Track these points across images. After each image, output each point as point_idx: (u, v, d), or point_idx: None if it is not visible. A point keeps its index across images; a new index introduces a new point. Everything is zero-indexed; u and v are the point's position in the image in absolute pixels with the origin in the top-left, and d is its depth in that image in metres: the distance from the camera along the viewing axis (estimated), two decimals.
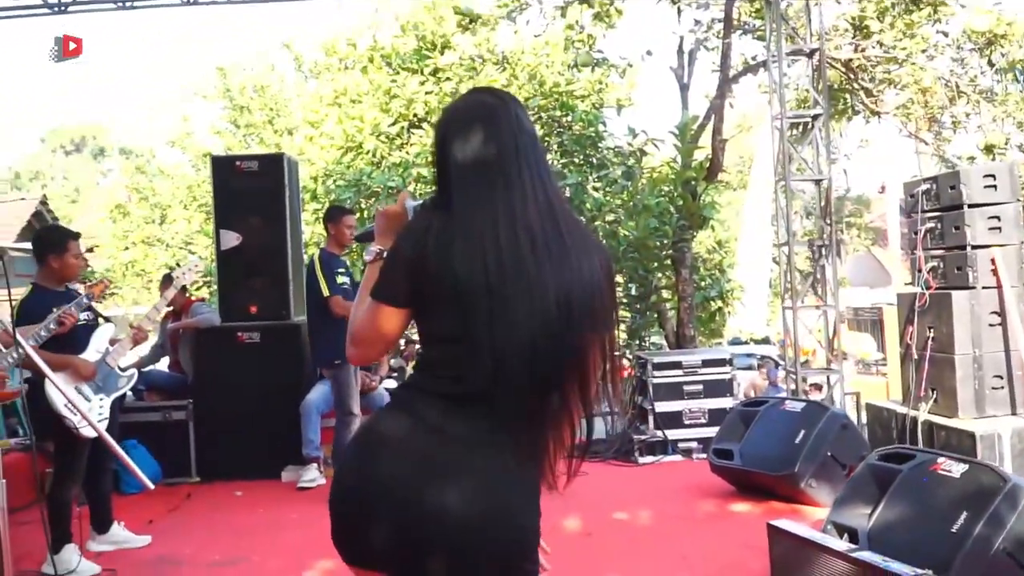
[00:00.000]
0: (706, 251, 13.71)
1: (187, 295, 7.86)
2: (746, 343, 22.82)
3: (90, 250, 19.62)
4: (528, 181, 1.90)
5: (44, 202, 17.88)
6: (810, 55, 8.09)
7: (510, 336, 1.80)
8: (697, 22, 10.56)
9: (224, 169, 7.59)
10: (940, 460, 3.65)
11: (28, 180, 63.23)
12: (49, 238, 5.12)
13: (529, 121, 2.01)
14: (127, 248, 18.05)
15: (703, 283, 11.55)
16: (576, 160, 11.76)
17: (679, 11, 10.52)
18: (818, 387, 8.88)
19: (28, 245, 15.93)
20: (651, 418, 7.01)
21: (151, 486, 2.81)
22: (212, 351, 7.27)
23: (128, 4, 8.14)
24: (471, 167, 1.91)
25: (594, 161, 11.67)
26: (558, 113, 11.08)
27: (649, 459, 6.94)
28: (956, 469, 3.53)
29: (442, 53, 11.52)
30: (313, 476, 6.66)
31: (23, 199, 18.21)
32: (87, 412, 4.53)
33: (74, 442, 4.71)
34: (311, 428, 6.82)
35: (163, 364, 8.07)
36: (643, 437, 7.01)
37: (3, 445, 6.37)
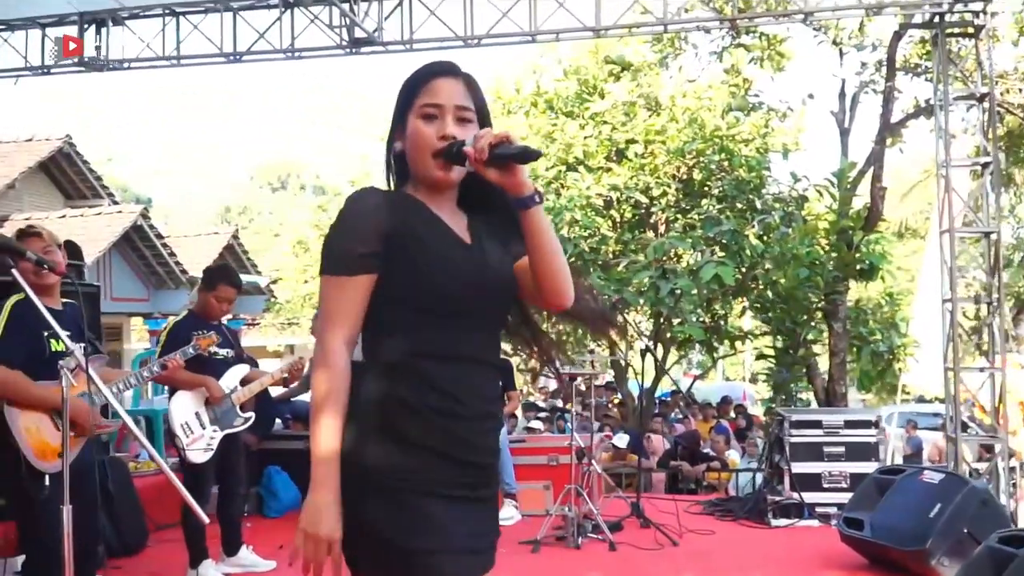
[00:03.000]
0: (878, 303, 12.98)
1: None
2: (931, 402, 21.35)
3: (274, 282, 20.89)
4: None
5: (236, 236, 19.15)
6: (980, 100, 7.58)
7: None
8: (864, 64, 10.13)
9: None
10: None
11: (237, 214, 68.01)
12: (208, 275, 5.44)
13: None
14: (306, 281, 19.04)
15: (872, 337, 10.96)
16: (739, 205, 11.48)
17: (841, 53, 10.11)
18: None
19: None
20: (787, 479, 6.68)
21: (207, 520, 2.89)
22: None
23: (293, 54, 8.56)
24: None
25: (758, 206, 11.35)
26: (717, 158, 10.85)
27: (783, 522, 6.60)
28: None
29: (602, 97, 11.56)
30: (510, 513, 6.69)
31: (216, 233, 19.60)
32: (196, 439, 4.85)
33: (194, 466, 5.00)
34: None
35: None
36: (778, 498, 6.69)
37: (147, 466, 6.83)
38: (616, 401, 14.00)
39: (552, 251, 1.99)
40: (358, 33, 8.14)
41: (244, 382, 5.30)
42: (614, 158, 11.76)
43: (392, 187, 2.11)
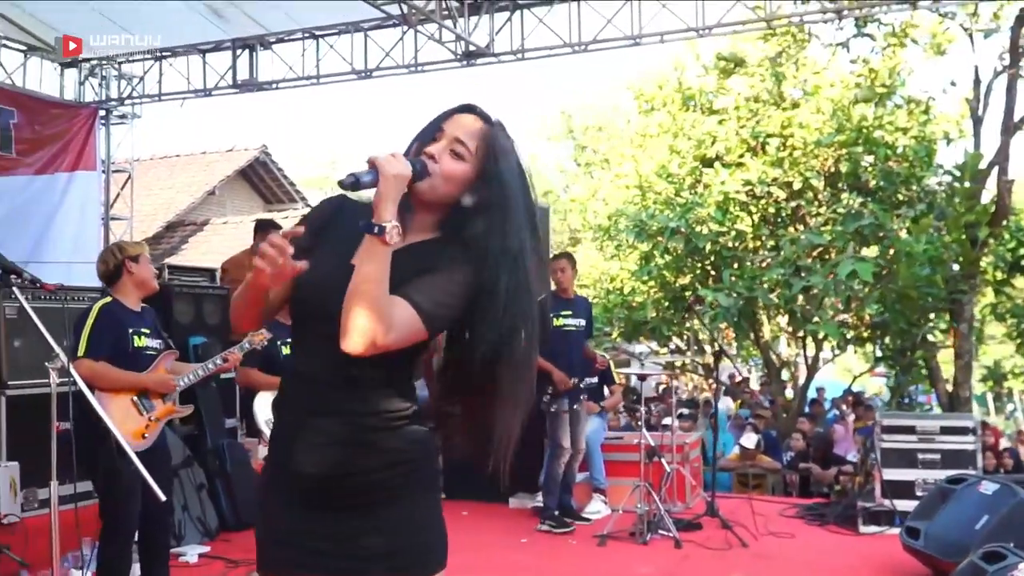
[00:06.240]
0: None
1: None
2: None
3: None
4: None
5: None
6: None
7: None
8: (1005, 47, 9.37)
9: None
10: (1022, 565, 3.17)
11: None
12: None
13: None
14: None
15: None
16: (899, 197, 10.98)
17: (971, 37, 9.43)
18: None
19: None
20: (878, 485, 6.48)
21: (163, 497, 3.29)
22: None
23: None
24: None
25: (920, 196, 10.82)
26: (859, 150, 10.45)
27: (872, 529, 6.40)
28: None
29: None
30: (597, 508, 6.95)
31: None
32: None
33: None
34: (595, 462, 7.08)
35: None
36: (868, 504, 6.50)
37: None
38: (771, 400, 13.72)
39: (354, 288, 1.80)
40: (472, 47, 8.57)
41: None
42: (758, 152, 11.55)
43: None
